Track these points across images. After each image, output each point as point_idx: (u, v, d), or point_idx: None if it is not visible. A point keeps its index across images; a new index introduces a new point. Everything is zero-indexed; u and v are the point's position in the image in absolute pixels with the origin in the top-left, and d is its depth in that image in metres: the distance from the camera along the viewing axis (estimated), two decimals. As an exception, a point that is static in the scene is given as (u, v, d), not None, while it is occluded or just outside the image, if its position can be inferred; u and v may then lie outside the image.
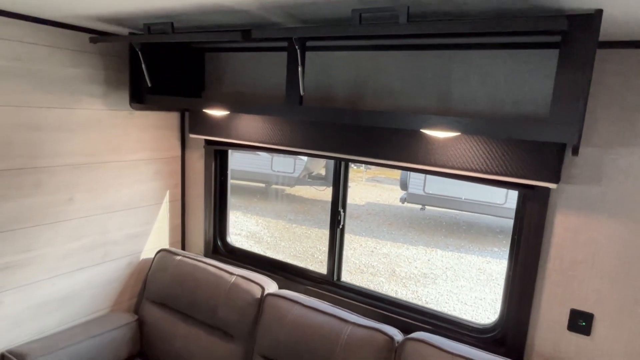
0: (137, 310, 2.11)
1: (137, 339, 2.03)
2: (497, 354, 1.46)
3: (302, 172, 9.93)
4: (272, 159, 9.77)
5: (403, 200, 8.70)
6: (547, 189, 1.42)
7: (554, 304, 1.46)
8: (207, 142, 2.17)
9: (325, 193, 10.47)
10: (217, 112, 1.90)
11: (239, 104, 1.55)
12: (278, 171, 10.03)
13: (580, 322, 1.43)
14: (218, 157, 2.21)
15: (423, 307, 1.76)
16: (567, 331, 1.45)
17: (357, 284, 1.95)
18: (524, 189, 1.45)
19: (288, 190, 10.92)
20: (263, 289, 1.85)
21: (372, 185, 11.62)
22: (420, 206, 8.88)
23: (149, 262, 2.19)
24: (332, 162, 8.17)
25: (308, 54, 1.81)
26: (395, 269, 5.87)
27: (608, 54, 1.29)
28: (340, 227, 1.93)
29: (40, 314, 1.80)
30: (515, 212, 1.52)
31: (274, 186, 10.48)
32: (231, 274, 1.93)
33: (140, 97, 1.87)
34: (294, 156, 9.80)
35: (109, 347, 1.89)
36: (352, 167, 13.10)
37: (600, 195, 1.35)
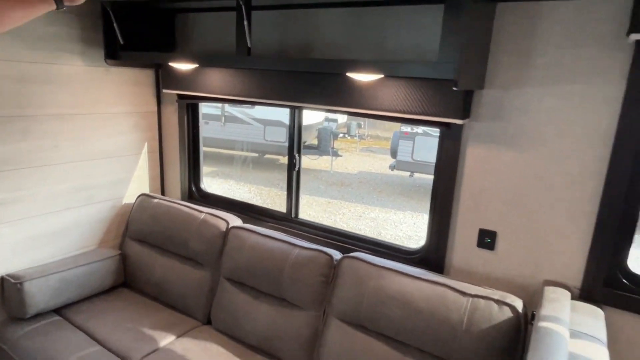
0: (120, 246, 2.39)
1: (121, 270, 2.32)
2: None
3: (294, 141, 10.08)
4: (264, 128, 9.96)
5: (392, 167, 8.93)
6: (460, 126, 1.66)
7: (466, 225, 1.73)
8: (179, 96, 2.39)
9: (318, 162, 10.71)
10: (185, 67, 2.11)
11: (197, 56, 1.77)
12: (271, 140, 10.21)
13: (487, 239, 1.69)
14: (190, 110, 2.44)
15: (365, 236, 2.03)
16: (477, 248, 1.72)
17: (313, 220, 2.22)
18: (441, 127, 1.69)
19: (282, 159, 11.15)
20: (228, 223, 2.12)
21: (365, 155, 11.84)
22: (409, 173, 9.13)
23: (130, 206, 2.45)
24: (324, 132, 8.29)
25: (263, 13, 2.01)
26: (381, 231, 6.16)
27: (507, 6, 1.50)
28: (296, 169, 2.18)
29: (34, 246, 2.07)
30: (437, 150, 1.77)
31: (268, 156, 10.71)
32: (201, 212, 2.20)
33: (114, 54, 2.09)
34: (286, 126, 9.98)
35: (95, 275, 2.18)
36: (347, 137, 13.27)
37: (502, 130, 1.59)
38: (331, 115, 11.07)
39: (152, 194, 2.42)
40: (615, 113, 1.39)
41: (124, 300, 2.20)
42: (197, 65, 2.04)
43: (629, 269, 1.50)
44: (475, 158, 1.66)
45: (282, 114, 10.09)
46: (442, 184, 1.74)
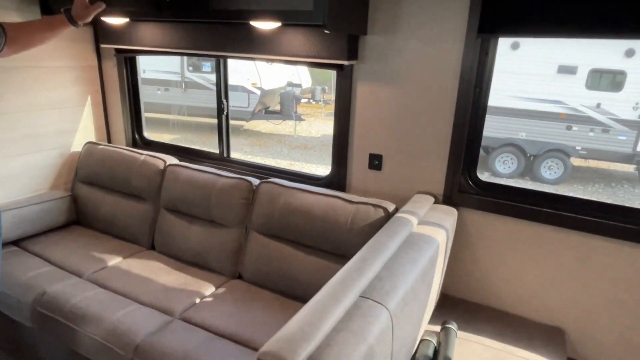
0: (71, 189, 2.66)
1: (73, 209, 2.59)
2: (321, 187, 2.09)
3: (256, 106, 10.24)
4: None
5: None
6: (351, 67, 1.99)
7: (359, 151, 2.09)
8: (117, 50, 2.62)
9: (282, 127, 10.92)
10: (118, 21, 2.33)
11: (116, 8, 2.00)
12: (233, 106, 10.30)
13: (375, 162, 2.06)
14: (128, 63, 2.67)
15: (285, 168, 2.38)
16: (368, 169, 2.09)
17: (242, 159, 2.54)
18: (336, 68, 2.02)
19: (246, 125, 11.29)
20: (165, 162, 2.41)
21: (330, 120, 12.10)
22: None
23: (78, 153, 2.70)
24: (286, 96, 8.54)
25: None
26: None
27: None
28: (225, 114, 2.48)
29: (-12, 187, 2.31)
30: (335, 89, 2.09)
31: (231, 122, 10.82)
32: (141, 154, 2.48)
33: (49, 9, 2.28)
34: (248, 92, 10.11)
35: (48, 213, 2.45)
36: (312, 102, 13.45)
37: (383, 69, 1.93)
38: (295, 80, 11.22)
39: (97, 141, 2.67)
40: (461, 52, 1.75)
41: (77, 234, 2.49)
42: (128, 20, 2.27)
43: (477, 177, 1.91)
44: (363, 94, 2.01)
45: (242, 79, 10.18)
46: (341, 118, 2.08)
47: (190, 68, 10.38)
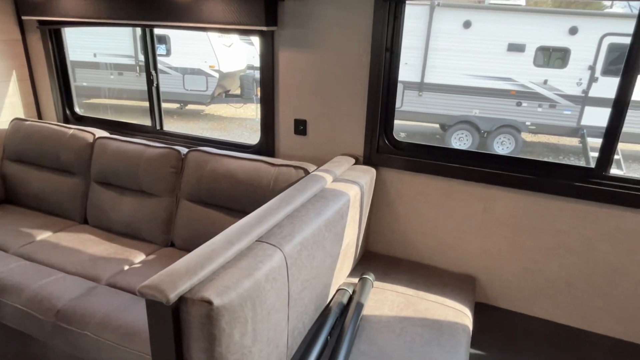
0: (-1, 168, 2.59)
1: (1, 188, 2.53)
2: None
3: (216, 89, 10.07)
4: (183, 77, 9.83)
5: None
6: (272, 34, 2.02)
7: (285, 117, 2.14)
8: (39, 22, 2.54)
9: (243, 110, 10.81)
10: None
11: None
12: (191, 90, 10.11)
13: (300, 127, 2.12)
14: (53, 36, 2.59)
15: (216, 138, 2.40)
16: (294, 135, 2.15)
17: (175, 130, 2.54)
18: (257, 35, 2.04)
19: (207, 110, 11.10)
20: (94, 135, 2.39)
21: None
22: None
23: (5, 131, 2.62)
24: (246, 79, 8.44)
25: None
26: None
27: None
28: (155, 85, 2.47)
29: None
30: (259, 57, 2.12)
31: (190, 106, 10.62)
32: (70, 128, 2.44)
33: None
34: (206, 75, 9.91)
35: (-27, 191, 2.38)
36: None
37: (302, 35, 1.98)
38: (255, 63, 11.07)
39: (24, 118, 2.60)
40: (371, 16, 1.82)
41: (6, 212, 2.44)
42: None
43: (393, 138, 2.00)
44: (285, 60, 2.05)
45: (199, 62, 9.97)
46: (266, 86, 2.12)
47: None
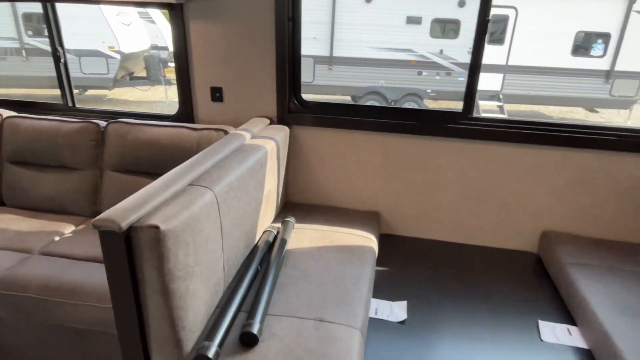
0: None
1: None
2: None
3: (118, 72, 9.51)
4: (79, 60, 9.14)
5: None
6: (181, 5, 2.15)
7: (201, 85, 2.29)
8: None
9: (152, 93, 10.36)
10: None
11: None
12: (90, 73, 9.45)
13: (217, 94, 2.29)
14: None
15: (135, 111, 2.47)
16: (212, 102, 2.32)
17: (90, 107, 2.56)
18: (167, 8, 2.15)
19: (110, 94, 10.46)
20: (1, 115, 2.34)
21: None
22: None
23: None
24: (151, 60, 8.01)
25: None
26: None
27: None
28: (63, 62, 2.46)
29: None
30: (171, 31, 2.24)
31: (91, 91, 9.94)
32: (-28, 109, 2.35)
33: None
34: (106, 56, 9.31)
35: None
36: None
37: (210, 7, 2.13)
38: (160, 43, 10.58)
39: None
40: (272, -13, 2.03)
41: None
42: None
43: (302, 99, 2.26)
44: (197, 31, 2.19)
45: (96, 42, 9.32)
46: (180, 57, 2.25)
47: (30, 32, 9.19)
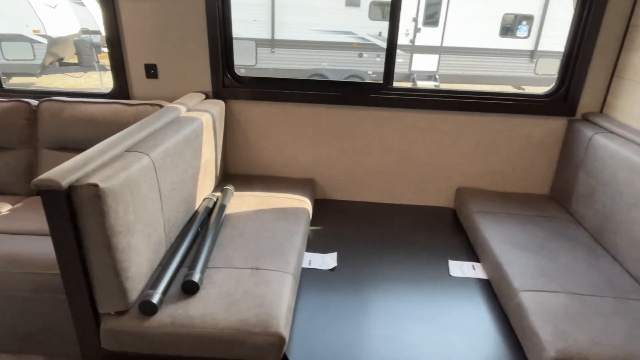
0: None
1: None
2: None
3: (46, 58, 8.97)
4: (0, 45, 8.52)
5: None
6: (109, -16, 2.18)
7: (135, 63, 2.34)
8: None
9: (85, 80, 9.86)
10: None
11: None
12: (13, 59, 8.86)
13: (151, 71, 2.35)
14: None
15: (66, 90, 2.47)
16: (147, 79, 2.37)
17: (18, 87, 2.52)
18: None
19: (38, 82, 9.85)
20: None
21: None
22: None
23: None
24: (82, 44, 7.65)
25: None
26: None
27: None
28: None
29: None
30: (100, 7, 2.26)
31: (16, 79, 9.30)
32: None
33: None
34: (31, 41, 8.73)
35: None
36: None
37: (139, -16, 2.18)
38: (91, 26, 10.05)
39: None
40: (200, -35, 2.11)
41: None
42: None
43: (235, 74, 2.38)
44: (127, 10, 2.23)
45: (20, 25, 8.73)
46: (112, 35, 2.28)
47: None
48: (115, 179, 1.31)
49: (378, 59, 10.26)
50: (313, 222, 2.30)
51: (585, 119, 2.26)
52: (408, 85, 9.94)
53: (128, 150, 1.53)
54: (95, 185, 1.24)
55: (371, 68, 10.18)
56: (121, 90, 2.39)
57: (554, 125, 2.33)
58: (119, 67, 2.34)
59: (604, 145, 1.97)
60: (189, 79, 2.36)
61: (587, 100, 2.27)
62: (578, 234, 2.01)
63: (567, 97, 2.27)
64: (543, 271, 1.70)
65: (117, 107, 2.18)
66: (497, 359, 1.47)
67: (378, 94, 2.35)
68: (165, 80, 2.37)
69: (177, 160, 1.73)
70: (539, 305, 1.51)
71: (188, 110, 2.09)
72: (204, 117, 2.05)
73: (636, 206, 1.70)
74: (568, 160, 2.26)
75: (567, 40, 2.22)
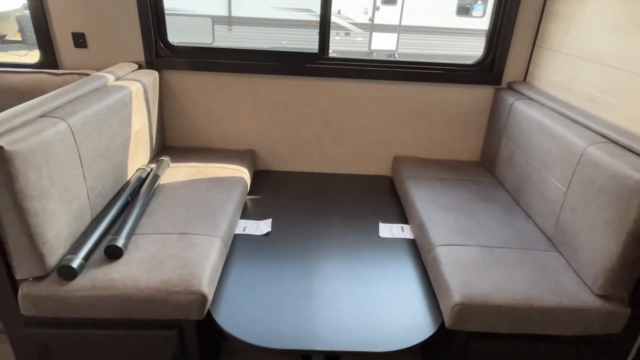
0: None
1: None
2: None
3: (-19, 35, 8.41)
4: None
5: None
6: (27, -54, 2.07)
7: (62, 31, 2.25)
8: None
9: (30, 58, 9.31)
10: None
11: None
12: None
13: (80, 40, 2.27)
14: None
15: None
16: (75, 48, 2.29)
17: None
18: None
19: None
20: None
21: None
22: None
23: None
24: (26, 19, 7.25)
25: None
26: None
27: None
28: None
29: None
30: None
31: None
32: None
33: None
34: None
35: None
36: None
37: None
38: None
39: None
40: None
41: None
42: None
43: (169, 43, 2.34)
44: (48, -27, 2.14)
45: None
46: (33, 2, 2.18)
47: None
48: (24, 142, 1.28)
49: (337, 37, 10.24)
50: (252, 192, 2.33)
51: (510, 87, 2.38)
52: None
53: (43, 116, 1.49)
54: (1, 148, 1.21)
55: (332, 46, 10.09)
56: (48, 60, 2.30)
57: (482, 94, 2.44)
58: (44, 35, 2.25)
59: (521, 111, 2.09)
60: (120, 49, 2.30)
61: (512, 70, 2.38)
62: (499, 196, 2.13)
63: (493, 66, 2.38)
64: (460, 228, 1.81)
65: (42, 77, 2.10)
66: (415, 307, 1.57)
67: (313, 63, 2.38)
68: (95, 50, 2.30)
69: (101, 128, 1.71)
70: (451, 258, 1.62)
71: (117, 79, 2.05)
72: (134, 86, 2.02)
73: (545, 165, 1.83)
74: (494, 127, 2.38)
75: (492, 12, 2.31)
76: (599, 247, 1.45)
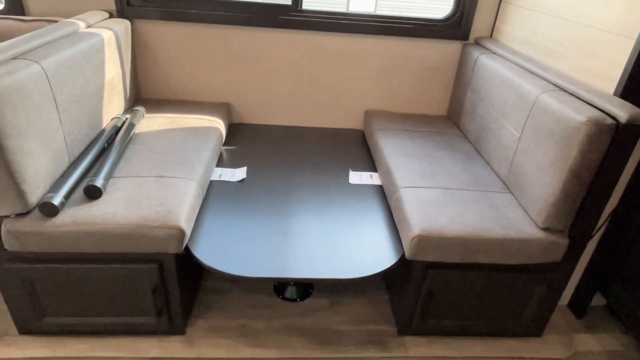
0: None
1: None
2: None
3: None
4: None
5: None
6: None
7: None
8: None
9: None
10: None
11: None
12: None
13: (47, -14, 2.22)
14: None
15: None
16: None
17: None
18: None
19: None
20: None
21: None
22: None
23: None
24: None
25: None
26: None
27: None
28: None
29: None
30: None
31: None
32: None
33: None
34: None
35: None
36: None
37: None
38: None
39: None
40: None
41: None
42: None
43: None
44: None
45: None
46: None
47: None
48: (-1, 81, 1.31)
49: (314, -3, 9.99)
50: (227, 144, 2.39)
51: (477, 42, 2.47)
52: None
53: (16, 58, 1.51)
54: (-24, 86, 1.24)
55: (310, 5, 9.89)
56: (14, 6, 2.25)
57: (450, 49, 2.53)
58: (9, -19, 2.19)
59: (485, 64, 2.19)
60: (83, 5, 2.27)
61: (479, 25, 2.47)
62: (462, 145, 2.27)
63: (461, 22, 2.46)
64: (423, 173, 1.95)
65: (9, 24, 2.07)
66: (379, 241, 1.71)
67: (287, 15, 2.40)
68: None
69: (75, 72, 1.73)
70: (413, 198, 1.75)
71: (88, 27, 2.04)
72: (106, 34, 2.02)
73: (503, 114, 1.96)
74: (460, 82, 2.49)
75: (461, -34, 2.36)
76: (544, 185, 1.60)
